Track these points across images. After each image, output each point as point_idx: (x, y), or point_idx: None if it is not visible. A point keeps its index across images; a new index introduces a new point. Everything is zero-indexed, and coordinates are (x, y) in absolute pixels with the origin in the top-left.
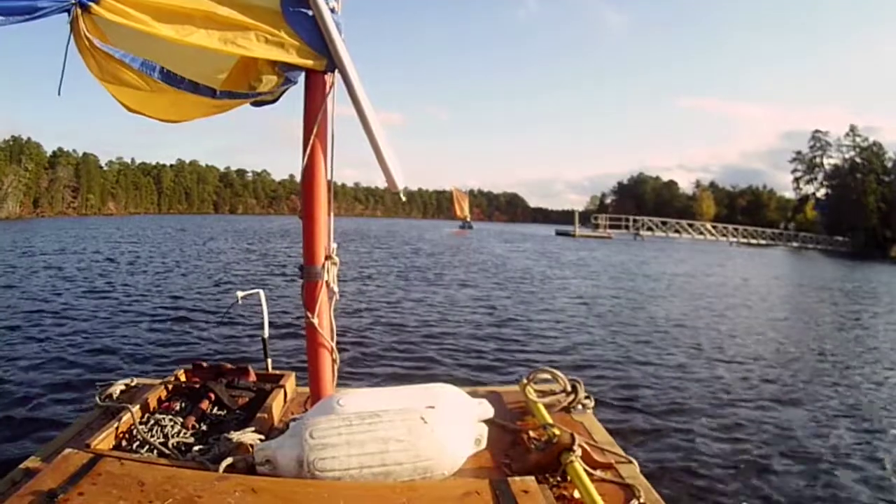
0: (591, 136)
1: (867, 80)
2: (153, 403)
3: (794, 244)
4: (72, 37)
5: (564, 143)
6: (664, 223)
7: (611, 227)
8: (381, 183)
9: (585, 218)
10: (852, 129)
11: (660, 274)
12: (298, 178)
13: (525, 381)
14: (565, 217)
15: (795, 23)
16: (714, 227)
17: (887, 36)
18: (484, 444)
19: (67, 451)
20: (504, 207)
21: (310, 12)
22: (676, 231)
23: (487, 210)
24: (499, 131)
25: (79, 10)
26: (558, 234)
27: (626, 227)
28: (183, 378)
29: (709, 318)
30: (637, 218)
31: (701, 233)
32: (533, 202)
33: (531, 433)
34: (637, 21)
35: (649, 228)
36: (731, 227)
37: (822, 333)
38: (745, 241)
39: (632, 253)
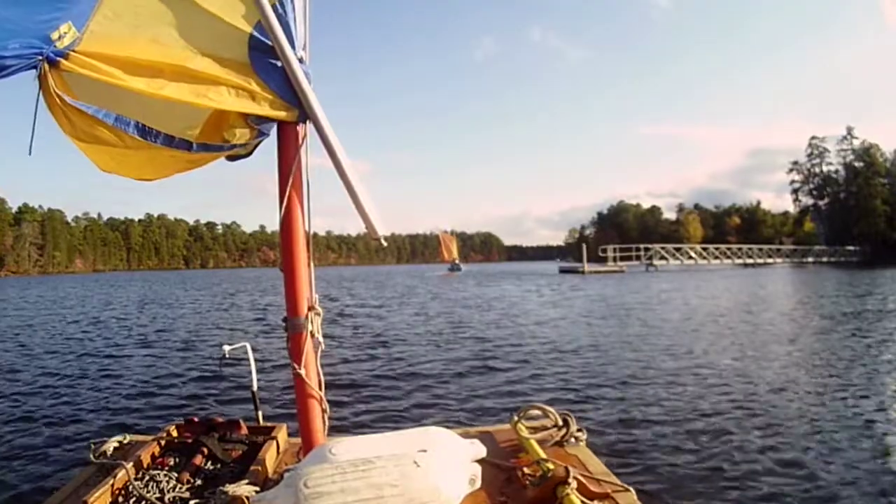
0: (557, 170)
1: (823, 90)
2: (147, 460)
3: (809, 259)
4: (41, 94)
5: (530, 178)
6: (678, 249)
7: (621, 258)
8: (353, 230)
9: (567, 252)
10: (849, 131)
11: (702, 314)
12: (269, 229)
13: (516, 418)
14: (541, 253)
15: (740, 36)
16: (728, 249)
17: (835, 41)
18: (479, 484)
19: None
20: (478, 247)
21: (279, 63)
22: (691, 258)
23: (462, 251)
24: (466, 170)
25: (47, 66)
26: (562, 271)
27: (638, 258)
28: (175, 434)
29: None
30: (649, 246)
31: (717, 257)
32: (506, 240)
33: (525, 469)
34: (593, 55)
35: (662, 257)
36: (745, 247)
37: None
38: (760, 261)
39: (667, 289)
